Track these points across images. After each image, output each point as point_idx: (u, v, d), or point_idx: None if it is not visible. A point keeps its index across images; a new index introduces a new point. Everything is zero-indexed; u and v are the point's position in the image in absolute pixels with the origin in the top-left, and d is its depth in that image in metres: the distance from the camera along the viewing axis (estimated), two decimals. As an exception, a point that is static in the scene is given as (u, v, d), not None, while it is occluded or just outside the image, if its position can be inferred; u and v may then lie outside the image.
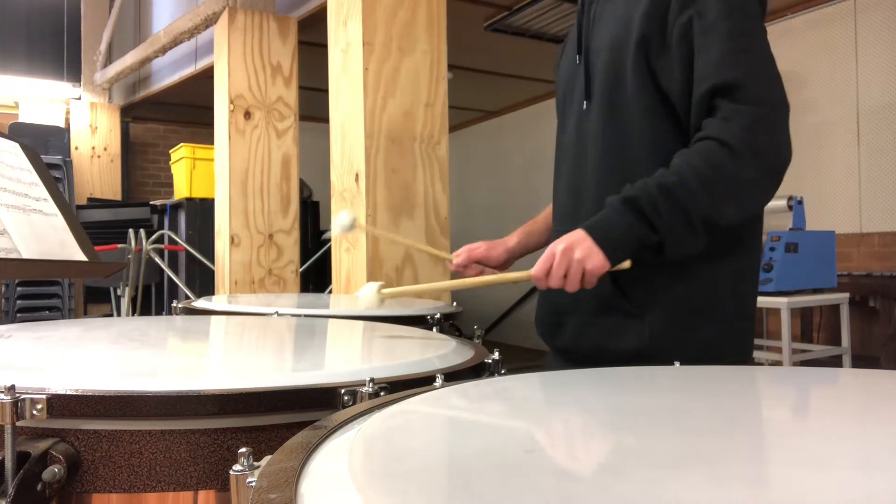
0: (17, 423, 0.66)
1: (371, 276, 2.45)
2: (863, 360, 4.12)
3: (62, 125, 6.85)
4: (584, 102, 1.20)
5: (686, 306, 1.11)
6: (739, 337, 1.16)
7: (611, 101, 1.15)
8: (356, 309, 1.77)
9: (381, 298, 1.13)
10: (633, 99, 1.12)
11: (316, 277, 5.49)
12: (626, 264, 1.06)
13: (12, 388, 0.66)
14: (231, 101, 3.82)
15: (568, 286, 1.03)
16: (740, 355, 1.15)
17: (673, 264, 1.09)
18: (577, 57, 1.24)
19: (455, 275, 1.39)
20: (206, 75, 4.87)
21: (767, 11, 1.14)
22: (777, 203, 3.63)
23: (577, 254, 1.01)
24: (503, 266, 1.39)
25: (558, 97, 1.34)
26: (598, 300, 1.14)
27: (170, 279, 5.15)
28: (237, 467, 0.53)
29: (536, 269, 1.04)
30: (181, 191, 5.27)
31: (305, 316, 1.48)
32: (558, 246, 1.02)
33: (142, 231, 5.03)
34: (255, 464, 0.53)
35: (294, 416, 0.74)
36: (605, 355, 1.13)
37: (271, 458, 0.53)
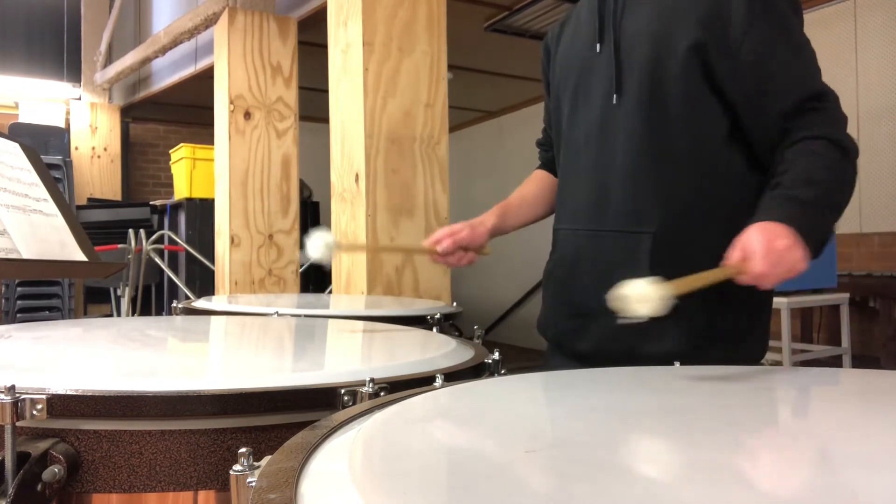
0: (17, 424, 0.66)
1: (371, 277, 2.45)
2: (863, 360, 4.12)
3: (62, 125, 6.85)
4: (615, 97, 1.15)
5: (725, 309, 1.10)
6: (761, 342, 1.16)
7: (650, 99, 1.12)
8: (356, 309, 1.78)
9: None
10: (678, 100, 1.10)
11: (316, 277, 5.48)
12: None
13: (12, 388, 0.66)
14: (231, 102, 3.82)
15: (767, 284, 0.93)
16: (756, 359, 1.15)
17: (710, 265, 1.09)
18: (598, 45, 1.18)
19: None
20: (206, 75, 4.86)
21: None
22: (777, 203, 3.62)
23: (794, 254, 0.92)
24: (482, 247, 1.34)
25: (565, 85, 1.26)
26: None
27: (170, 279, 5.14)
28: (237, 467, 0.53)
29: (761, 265, 0.90)
30: (181, 191, 5.26)
31: (305, 316, 1.48)
32: (777, 242, 0.91)
33: (142, 231, 5.03)
34: (255, 464, 0.53)
35: (294, 416, 0.74)
36: (636, 360, 1.04)
37: (271, 459, 0.53)
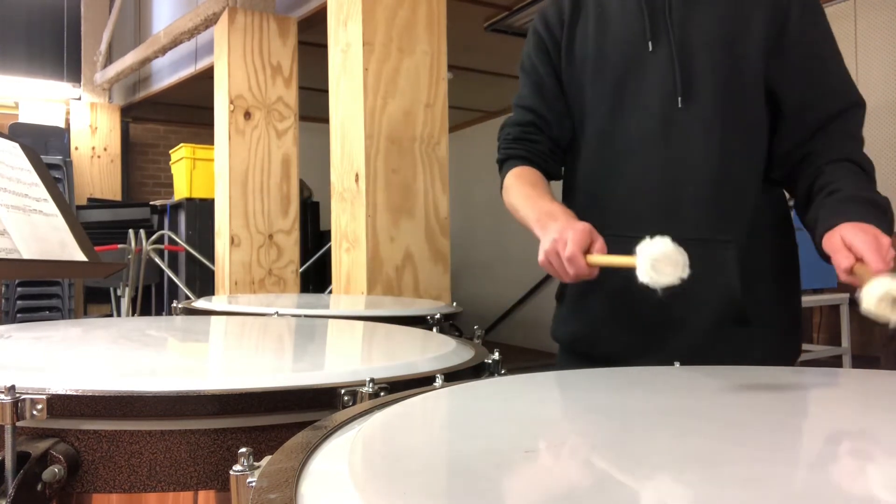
0: (18, 424, 0.66)
1: (371, 276, 2.45)
2: (863, 360, 4.12)
3: (62, 125, 6.85)
4: (679, 100, 1.10)
5: (793, 314, 1.19)
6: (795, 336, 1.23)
7: (726, 106, 1.09)
8: (356, 309, 1.78)
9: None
10: (758, 106, 1.13)
11: (316, 277, 5.49)
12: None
13: (12, 388, 0.66)
14: (231, 102, 3.82)
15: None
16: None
17: (787, 275, 1.17)
18: (650, 44, 1.12)
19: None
20: (206, 75, 4.86)
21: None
22: (777, 203, 3.63)
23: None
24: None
25: (601, 80, 1.16)
26: (722, 311, 1.08)
27: (170, 279, 5.14)
28: (237, 467, 0.53)
29: (882, 263, 0.84)
30: (181, 191, 5.27)
31: (305, 316, 1.48)
32: (883, 240, 0.87)
33: (142, 231, 5.03)
34: (256, 464, 0.53)
35: (294, 417, 0.74)
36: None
37: (271, 459, 0.54)
